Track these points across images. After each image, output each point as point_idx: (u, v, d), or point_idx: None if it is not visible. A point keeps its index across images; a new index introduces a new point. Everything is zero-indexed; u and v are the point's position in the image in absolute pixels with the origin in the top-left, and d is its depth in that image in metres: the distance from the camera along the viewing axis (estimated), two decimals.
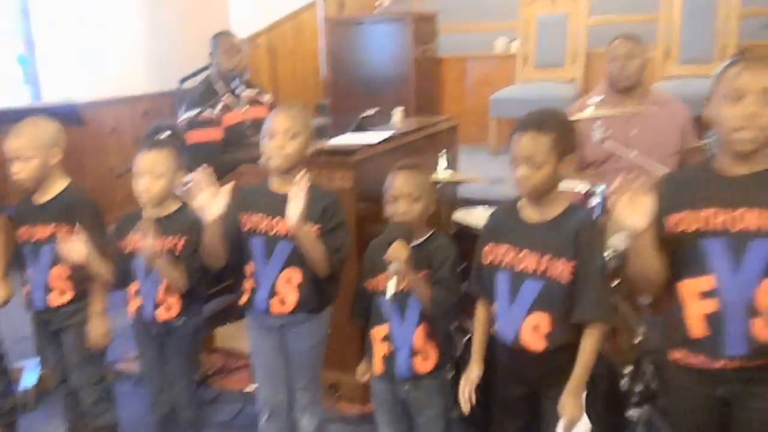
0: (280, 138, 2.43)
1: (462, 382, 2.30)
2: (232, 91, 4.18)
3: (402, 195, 2.37)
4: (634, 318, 2.95)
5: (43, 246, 2.74)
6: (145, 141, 2.63)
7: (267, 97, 4.42)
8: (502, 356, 2.24)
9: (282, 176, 2.49)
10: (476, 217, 3.26)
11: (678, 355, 1.98)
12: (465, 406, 2.28)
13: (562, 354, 2.12)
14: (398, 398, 2.46)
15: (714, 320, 1.88)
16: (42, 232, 2.74)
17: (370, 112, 3.78)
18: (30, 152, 2.67)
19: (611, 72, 3.56)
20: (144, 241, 2.49)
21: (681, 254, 1.93)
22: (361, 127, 3.71)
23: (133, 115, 5.94)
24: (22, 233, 2.79)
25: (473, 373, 2.30)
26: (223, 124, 4.13)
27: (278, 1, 6.56)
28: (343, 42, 5.79)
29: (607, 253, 2.38)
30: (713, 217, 1.87)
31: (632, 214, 1.84)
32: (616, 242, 2.78)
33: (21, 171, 2.68)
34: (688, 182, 1.99)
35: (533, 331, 2.12)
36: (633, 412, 2.81)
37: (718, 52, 5.35)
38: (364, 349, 2.55)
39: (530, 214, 2.19)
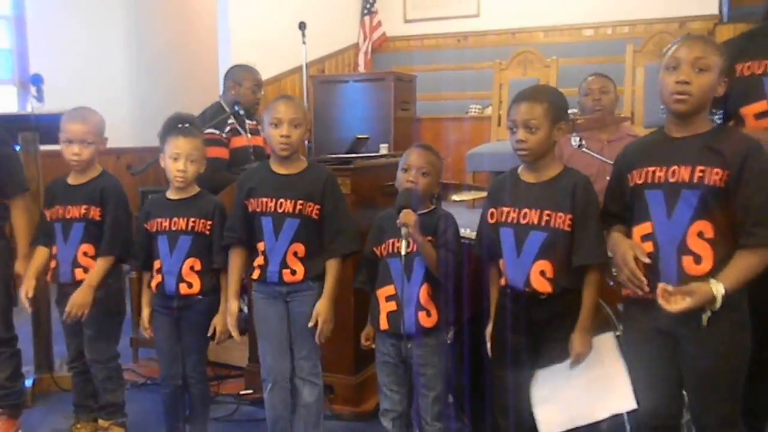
0: (285, 127, 2.75)
1: (487, 331, 2.63)
2: (241, 119, 4.51)
3: (413, 167, 2.69)
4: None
5: (75, 224, 3.01)
6: (173, 129, 2.92)
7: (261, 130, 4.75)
8: (512, 305, 2.52)
9: (284, 160, 2.81)
10: None
11: (627, 291, 2.30)
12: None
13: (566, 299, 2.43)
14: (401, 357, 2.70)
15: (652, 258, 2.21)
16: (74, 211, 3.01)
17: (364, 135, 4.13)
18: (92, 137, 2.99)
19: (585, 106, 3.92)
20: None
21: (634, 205, 2.29)
22: (354, 149, 4.06)
23: (118, 167, 6.21)
24: (54, 211, 3.05)
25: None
26: (231, 145, 4.45)
27: (265, 66, 6.98)
28: (327, 99, 6.19)
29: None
30: (656, 171, 2.23)
31: None
32: None
33: (81, 153, 2.97)
34: (644, 145, 2.38)
35: (540, 276, 2.42)
36: None
37: None
38: (368, 313, 2.80)
39: (529, 177, 2.52)
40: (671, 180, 2.18)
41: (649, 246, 2.22)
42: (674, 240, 2.17)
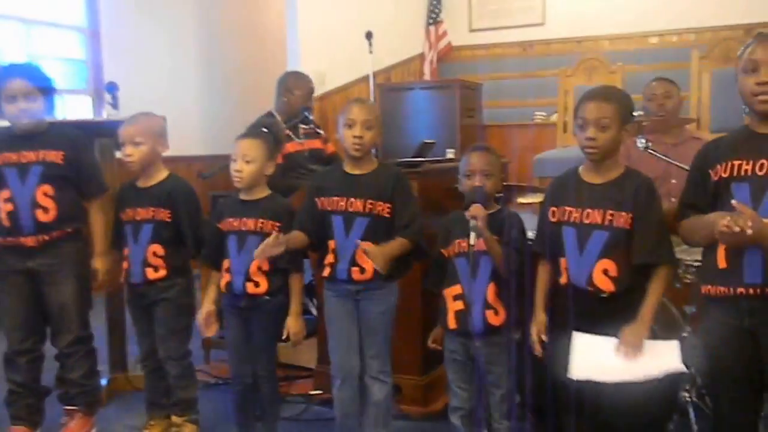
0: (358, 128, 2.80)
1: (532, 329, 2.59)
2: (294, 124, 4.58)
3: (476, 170, 2.72)
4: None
5: (144, 225, 3.11)
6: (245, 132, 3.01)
7: (321, 131, 4.80)
8: (573, 305, 2.49)
9: (356, 161, 2.86)
10: None
11: (708, 287, 2.28)
12: (537, 347, 2.56)
13: (628, 297, 2.42)
14: (469, 355, 2.72)
15: (735, 253, 2.19)
16: (143, 213, 3.11)
17: (430, 140, 4.15)
18: (141, 138, 3.07)
19: (649, 110, 3.89)
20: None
21: (718, 199, 2.27)
22: (421, 153, 4.08)
23: (189, 173, 6.35)
24: (125, 213, 3.15)
25: (539, 317, 2.60)
26: (284, 150, 4.51)
27: (333, 75, 7.10)
28: (393, 107, 6.20)
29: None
30: (743, 165, 2.22)
31: None
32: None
33: (132, 154, 3.07)
34: (728, 140, 2.35)
35: (603, 274, 2.42)
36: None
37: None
38: (437, 316, 2.83)
39: (592, 177, 2.52)
40: (759, 173, 2.17)
41: None
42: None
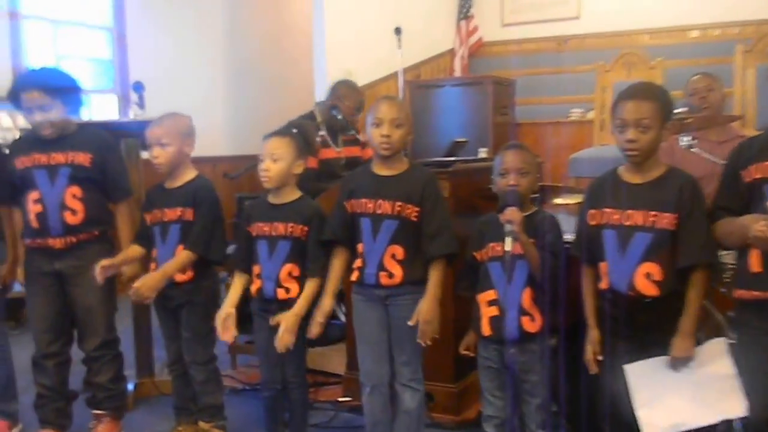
0: (386, 127, 2.77)
1: (587, 348, 2.57)
2: (333, 131, 4.59)
3: (511, 169, 2.69)
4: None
5: (172, 226, 3.13)
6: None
7: (361, 138, 4.82)
8: (615, 310, 2.49)
9: (385, 161, 2.85)
10: None
11: (742, 292, 2.27)
12: (593, 367, 2.54)
13: (671, 302, 2.40)
14: (504, 362, 2.70)
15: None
16: (171, 214, 3.14)
17: (461, 139, 4.16)
18: (168, 139, 3.10)
19: (691, 107, 3.85)
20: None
21: (751, 201, 2.27)
22: (452, 152, 4.09)
23: (214, 174, 6.41)
24: (153, 215, 3.18)
25: (593, 335, 2.56)
26: (319, 156, 4.53)
27: (360, 72, 7.10)
28: (423, 105, 6.22)
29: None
30: None
31: None
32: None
33: (160, 156, 3.10)
34: (761, 141, 2.34)
35: (645, 278, 2.40)
36: None
37: None
38: (470, 323, 2.82)
39: (632, 177, 2.49)
40: None
41: None
42: None
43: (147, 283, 3.06)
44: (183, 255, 3.10)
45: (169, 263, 3.09)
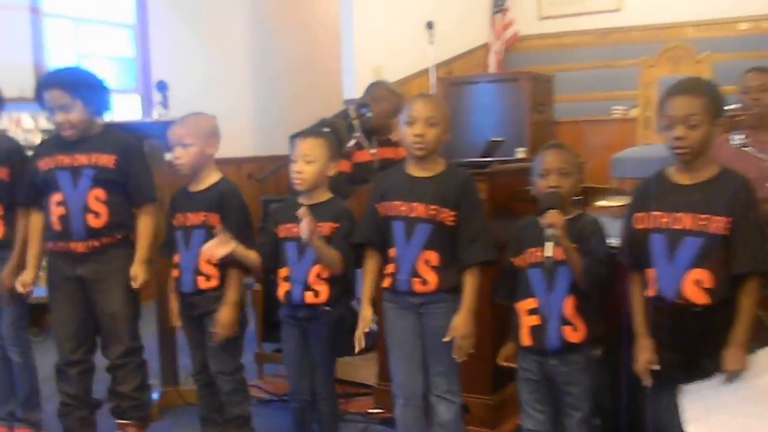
0: (420, 126, 2.72)
1: (638, 359, 2.47)
2: (367, 132, 4.54)
3: (552, 169, 2.62)
4: None
5: (195, 231, 3.09)
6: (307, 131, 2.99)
7: (393, 137, 4.77)
8: (663, 319, 2.41)
9: (420, 162, 2.78)
10: None
11: None
12: (646, 378, 2.46)
13: (722, 311, 2.32)
14: (545, 374, 2.63)
15: None
16: (194, 218, 3.10)
17: (498, 138, 4.09)
18: (190, 140, 3.06)
19: (744, 104, 3.76)
20: (302, 224, 2.78)
21: None
22: (488, 152, 4.02)
23: (239, 176, 6.41)
24: (176, 219, 3.15)
25: (644, 343, 2.47)
26: (353, 159, 4.48)
27: (390, 69, 7.04)
28: (456, 102, 6.12)
29: None
30: None
31: None
32: None
33: (182, 156, 3.07)
34: None
35: (695, 286, 2.32)
36: None
37: None
38: (509, 332, 2.74)
39: (682, 178, 2.41)
40: None
41: None
42: None
43: (224, 322, 3.03)
44: (233, 277, 3.06)
45: (230, 293, 3.05)
